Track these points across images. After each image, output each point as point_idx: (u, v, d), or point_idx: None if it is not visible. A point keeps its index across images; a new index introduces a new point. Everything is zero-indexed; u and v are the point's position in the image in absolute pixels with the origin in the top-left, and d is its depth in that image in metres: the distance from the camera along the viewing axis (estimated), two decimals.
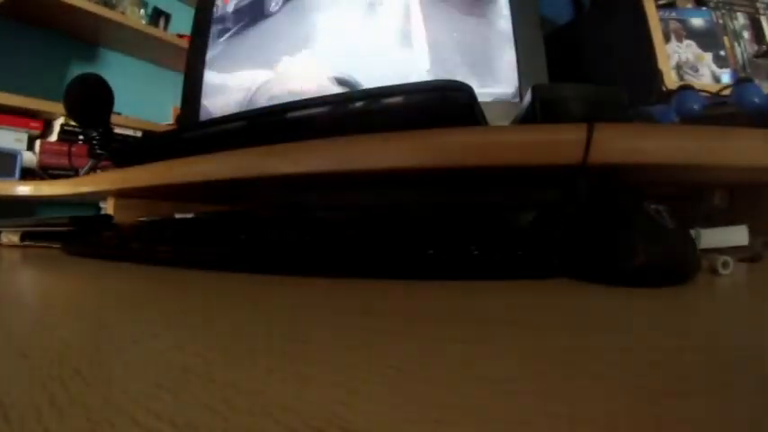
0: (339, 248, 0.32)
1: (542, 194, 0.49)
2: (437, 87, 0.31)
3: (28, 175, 1.45)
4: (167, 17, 1.96)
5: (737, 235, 0.41)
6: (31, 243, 0.60)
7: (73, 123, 1.21)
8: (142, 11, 1.83)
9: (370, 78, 0.58)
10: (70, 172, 1.42)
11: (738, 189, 0.47)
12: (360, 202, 0.54)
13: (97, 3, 1.58)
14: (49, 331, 0.18)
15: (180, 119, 0.84)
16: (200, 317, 0.21)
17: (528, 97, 0.34)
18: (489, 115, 0.38)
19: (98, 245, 0.47)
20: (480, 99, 0.34)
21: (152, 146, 0.52)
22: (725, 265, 0.32)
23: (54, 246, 0.56)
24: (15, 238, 0.60)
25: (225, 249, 0.35)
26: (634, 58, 0.70)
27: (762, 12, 1.10)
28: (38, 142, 1.54)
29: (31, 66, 1.63)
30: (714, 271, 0.32)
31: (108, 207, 0.83)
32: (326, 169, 0.32)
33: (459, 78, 0.35)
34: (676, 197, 0.54)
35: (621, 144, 0.31)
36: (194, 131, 0.44)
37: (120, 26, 1.66)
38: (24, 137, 1.52)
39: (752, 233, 0.41)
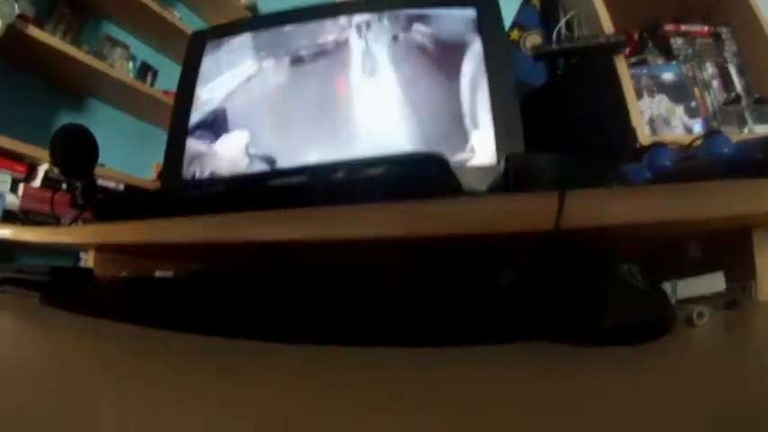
0: (317, 316, 0.32)
1: (518, 259, 0.50)
2: (415, 159, 0.33)
3: (9, 217, 1.44)
4: (155, 73, 1.97)
5: (714, 282, 0.41)
6: (9, 289, 0.59)
7: (57, 171, 1.21)
8: (131, 64, 1.85)
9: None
10: (51, 219, 1.41)
11: (712, 237, 0.48)
12: (341, 267, 0.55)
13: (87, 53, 1.61)
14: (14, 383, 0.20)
15: (162, 175, 0.84)
16: (162, 379, 0.22)
17: (501, 166, 0.36)
18: (468, 180, 0.40)
19: (76, 300, 0.47)
20: (458, 164, 0.35)
21: (134, 203, 0.52)
22: (700, 315, 0.32)
23: (32, 295, 0.55)
24: None
25: (199, 315, 0.35)
26: (609, 117, 0.73)
27: (729, 60, 1.16)
28: (21, 186, 1.53)
29: (19, 109, 1.63)
30: (690, 322, 0.32)
31: (88, 258, 0.82)
32: (307, 237, 0.33)
33: (439, 143, 0.36)
34: (651, 251, 0.55)
35: (592, 209, 0.32)
36: (178, 194, 0.45)
37: (109, 78, 1.67)
38: (8, 179, 1.50)
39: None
